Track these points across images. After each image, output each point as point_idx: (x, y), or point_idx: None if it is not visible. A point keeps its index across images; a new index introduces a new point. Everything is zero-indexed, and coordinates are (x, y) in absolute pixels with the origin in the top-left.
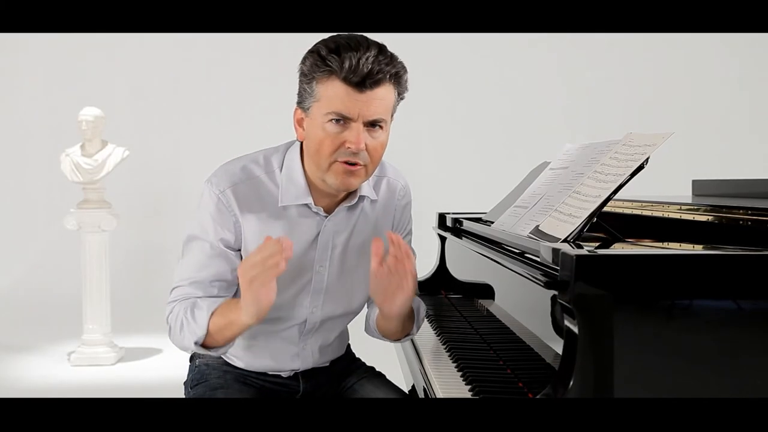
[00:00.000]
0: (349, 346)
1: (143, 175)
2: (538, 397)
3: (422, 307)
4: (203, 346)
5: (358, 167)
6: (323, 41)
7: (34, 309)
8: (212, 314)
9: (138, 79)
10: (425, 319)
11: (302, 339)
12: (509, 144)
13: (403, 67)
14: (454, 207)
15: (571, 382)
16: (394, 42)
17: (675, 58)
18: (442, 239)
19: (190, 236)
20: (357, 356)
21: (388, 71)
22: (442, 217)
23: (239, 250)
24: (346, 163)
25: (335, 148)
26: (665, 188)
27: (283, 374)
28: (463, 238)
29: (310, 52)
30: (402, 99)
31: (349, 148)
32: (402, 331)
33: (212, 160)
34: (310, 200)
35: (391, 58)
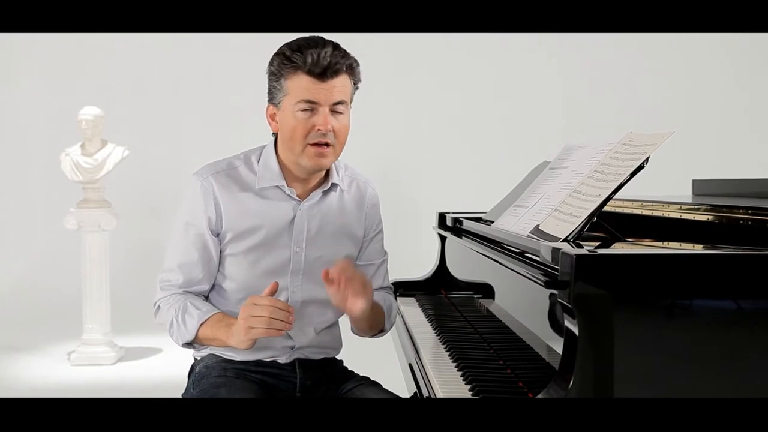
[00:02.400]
0: (342, 361)
1: (143, 174)
2: (538, 397)
3: (394, 306)
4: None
5: (328, 148)
6: (286, 44)
7: (34, 309)
8: (202, 324)
9: (138, 79)
10: (426, 319)
11: None
12: (509, 144)
13: (356, 61)
14: (454, 207)
15: (571, 382)
16: (393, 42)
17: (674, 58)
18: (443, 239)
19: (179, 222)
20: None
21: (344, 63)
22: (442, 217)
23: (218, 235)
24: (317, 145)
25: (307, 132)
26: (665, 188)
27: (280, 360)
28: (463, 237)
29: (276, 54)
30: (357, 88)
31: (319, 129)
32: (372, 328)
33: (212, 160)
34: (283, 182)
35: (345, 53)
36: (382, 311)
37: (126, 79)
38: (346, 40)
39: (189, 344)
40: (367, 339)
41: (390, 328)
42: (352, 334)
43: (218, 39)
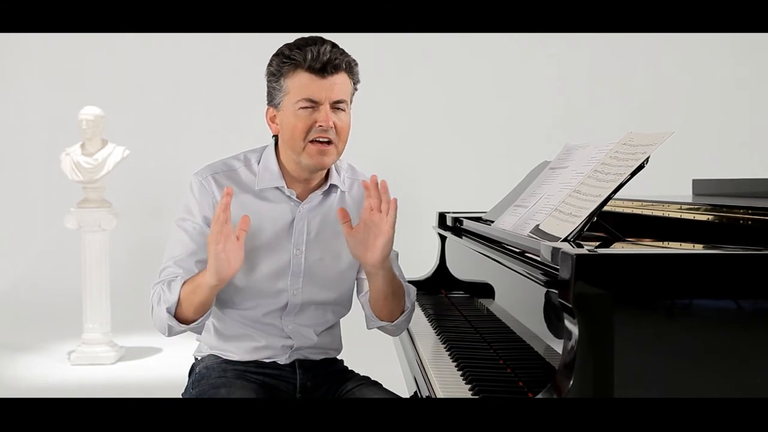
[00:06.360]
0: (342, 360)
1: (143, 174)
2: (538, 396)
3: (412, 289)
4: (176, 318)
5: (329, 146)
6: (284, 45)
7: (34, 308)
8: (184, 283)
9: (138, 79)
10: (426, 319)
11: (284, 318)
12: (509, 144)
13: (354, 61)
14: (454, 207)
15: (571, 382)
16: (393, 43)
17: (674, 58)
18: (443, 238)
19: (177, 219)
20: (351, 369)
21: (344, 59)
22: (442, 217)
23: None
24: (319, 142)
25: (308, 128)
26: (665, 188)
27: (280, 361)
28: (464, 237)
29: (275, 54)
30: (357, 89)
31: (320, 126)
32: (395, 303)
33: (212, 160)
34: (282, 183)
35: (344, 51)
36: (401, 283)
37: (126, 79)
38: (346, 40)
39: (175, 318)
40: (367, 338)
41: (411, 309)
42: (368, 329)
43: (218, 39)
